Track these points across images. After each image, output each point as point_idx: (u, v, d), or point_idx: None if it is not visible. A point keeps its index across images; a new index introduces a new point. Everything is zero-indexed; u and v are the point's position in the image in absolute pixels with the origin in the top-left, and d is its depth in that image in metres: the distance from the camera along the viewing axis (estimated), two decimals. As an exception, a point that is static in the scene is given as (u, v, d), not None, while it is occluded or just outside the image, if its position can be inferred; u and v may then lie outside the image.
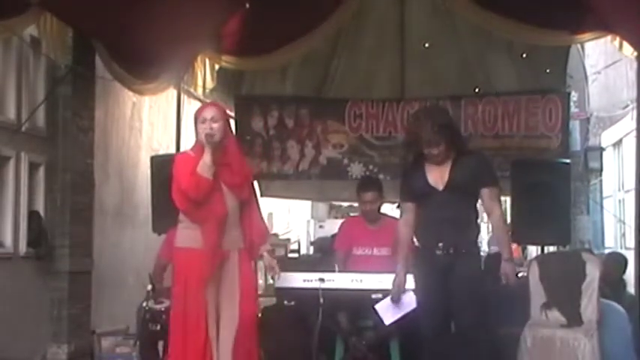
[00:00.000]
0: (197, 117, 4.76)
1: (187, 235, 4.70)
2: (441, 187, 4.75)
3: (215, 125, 4.66)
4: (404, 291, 5.02)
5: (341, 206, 17.99)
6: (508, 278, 4.73)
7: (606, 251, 10.96)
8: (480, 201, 4.89)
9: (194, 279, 4.61)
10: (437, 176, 4.77)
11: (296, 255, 9.75)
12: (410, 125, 5.21)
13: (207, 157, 4.61)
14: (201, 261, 4.60)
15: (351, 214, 6.69)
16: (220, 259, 4.65)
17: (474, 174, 4.77)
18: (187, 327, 4.59)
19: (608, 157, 12.46)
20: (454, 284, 4.67)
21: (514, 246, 12.23)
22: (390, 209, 6.81)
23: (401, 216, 5.07)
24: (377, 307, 5.18)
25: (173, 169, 4.75)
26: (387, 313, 5.16)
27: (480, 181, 4.78)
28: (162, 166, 6.86)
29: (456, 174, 4.74)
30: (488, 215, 4.93)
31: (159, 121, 9.05)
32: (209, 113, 4.72)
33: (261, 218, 4.99)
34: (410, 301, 5.03)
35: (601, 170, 12.53)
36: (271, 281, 5.90)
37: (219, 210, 4.65)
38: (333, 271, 5.75)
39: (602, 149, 12.53)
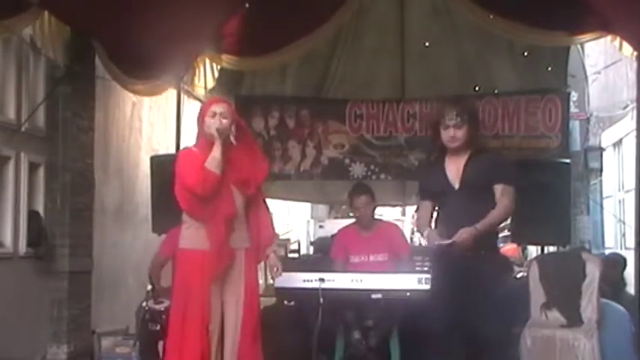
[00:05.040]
0: (204, 111, 4.64)
1: (192, 235, 4.57)
2: (457, 185, 4.74)
3: (225, 121, 4.57)
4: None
5: (341, 206, 17.95)
6: (460, 239, 4.58)
7: (606, 251, 10.96)
8: None
9: (199, 281, 4.48)
10: (454, 172, 4.75)
11: (296, 255, 9.75)
12: (433, 115, 5.16)
13: (216, 152, 4.48)
14: (208, 262, 4.47)
15: (351, 215, 6.68)
16: (230, 258, 4.52)
17: (488, 172, 4.75)
18: (187, 330, 4.47)
19: (608, 157, 12.47)
20: (471, 286, 4.61)
21: (514, 246, 12.30)
22: (391, 212, 6.81)
23: (419, 212, 5.03)
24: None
25: (176, 166, 4.61)
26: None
27: (494, 178, 4.75)
28: (162, 166, 6.87)
29: (470, 171, 4.73)
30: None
31: (159, 121, 9.05)
32: (219, 108, 4.61)
33: (270, 219, 4.89)
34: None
35: (601, 170, 12.53)
36: (271, 281, 5.89)
37: (227, 209, 4.53)
38: (333, 271, 5.76)
39: (602, 149, 12.53)
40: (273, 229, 4.99)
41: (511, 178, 4.86)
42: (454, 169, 4.78)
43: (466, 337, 4.69)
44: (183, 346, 4.48)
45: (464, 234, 4.59)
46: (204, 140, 4.64)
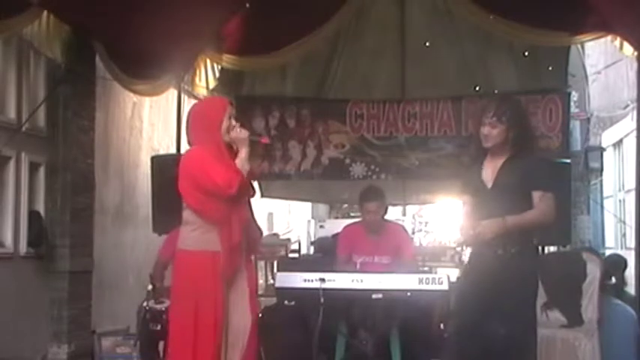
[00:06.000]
0: (219, 113, 4.42)
1: (199, 237, 4.41)
2: (489, 185, 4.63)
3: (239, 123, 4.46)
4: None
5: (342, 206, 17.95)
6: (480, 230, 4.47)
7: (607, 251, 10.95)
8: None
9: (211, 282, 4.36)
10: (489, 172, 4.65)
11: (296, 255, 9.73)
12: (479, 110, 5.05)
13: (245, 155, 4.37)
14: (219, 263, 4.35)
15: (352, 214, 6.69)
16: (240, 260, 4.46)
17: (525, 177, 4.58)
18: (199, 333, 4.35)
19: (609, 157, 12.46)
20: (496, 286, 4.47)
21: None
22: (391, 211, 6.77)
23: (462, 207, 4.90)
24: None
25: (188, 166, 4.38)
26: None
27: (532, 183, 4.58)
28: (162, 166, 6.87)
29: (504, 173, 4.60)
30: None
31: (159, 121, 9.05)
32: (232, 110, 4.46)
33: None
34: None
35: (601, 170, 12.51)
36: (271, 281, 5.89)
37: (244, 212, 4.46)
38: (334, 271, 5.75)
39: (602, 149, 12.52)
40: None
41: (551, 184, 4.67)
42: (490, 169, 4.66)
43: (488, 337, 4.60)
44: (197, 348, 4.36)
45: (488, 223, 4.45)
46: (217, 141, 4.41)
